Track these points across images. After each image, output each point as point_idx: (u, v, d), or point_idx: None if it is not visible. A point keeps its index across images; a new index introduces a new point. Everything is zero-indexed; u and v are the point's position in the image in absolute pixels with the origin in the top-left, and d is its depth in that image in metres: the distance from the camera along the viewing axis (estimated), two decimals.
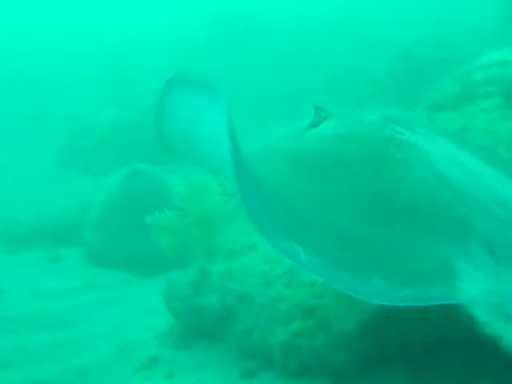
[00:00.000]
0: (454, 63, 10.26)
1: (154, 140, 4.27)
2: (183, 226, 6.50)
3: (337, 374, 4.10)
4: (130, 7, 29.99)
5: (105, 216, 8.68)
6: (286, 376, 4.25)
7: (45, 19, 29.35)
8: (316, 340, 4.18)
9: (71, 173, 13.95)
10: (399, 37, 13.92)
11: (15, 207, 10.45)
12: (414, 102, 8.13)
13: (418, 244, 3.48)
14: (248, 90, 16.48)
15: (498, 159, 4.45)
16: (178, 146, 4.38)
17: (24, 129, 18.05)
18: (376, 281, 3.24)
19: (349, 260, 3.31)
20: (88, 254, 8.90)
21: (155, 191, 8.40)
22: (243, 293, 4.84)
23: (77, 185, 12.25)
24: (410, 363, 3.99)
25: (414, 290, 3.20)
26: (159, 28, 24.94)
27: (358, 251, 3.38)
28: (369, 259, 3.36)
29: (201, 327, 5.31)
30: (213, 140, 3.67)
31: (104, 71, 18.69)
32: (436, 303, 3.17)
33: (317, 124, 4.08)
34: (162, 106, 4.13)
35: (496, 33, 10.86)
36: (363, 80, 13.38)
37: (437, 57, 10.31)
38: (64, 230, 9.67)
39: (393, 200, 3.60)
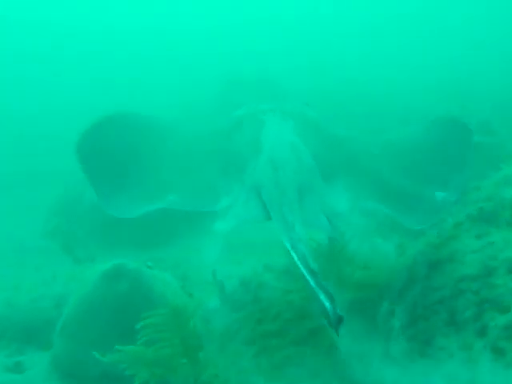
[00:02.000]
0: (493, 149, 9.00)
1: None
2: (164, 358, 5.46)
3: None
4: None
5: (79, 322, 7.12)
6: None
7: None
8: None
9: (56, 248, 12.52)
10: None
11: None
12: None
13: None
14: None
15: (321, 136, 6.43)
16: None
17: (19, 185, 17.05)
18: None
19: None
20: (56, 365, 7.36)
21: (140, 295, 6.93)
22: None
23: (59, 266, 10.80)
24: None
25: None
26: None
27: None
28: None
29: None
30: None
31: None
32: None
33: None
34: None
35: None
36: None
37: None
38: (33, 329, 8.20)
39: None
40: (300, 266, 4.63)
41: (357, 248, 6.84)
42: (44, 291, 8.88)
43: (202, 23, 40.49)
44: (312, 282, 4.41)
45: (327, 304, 4.21)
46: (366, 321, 5.88)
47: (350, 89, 18.86)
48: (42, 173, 17.59)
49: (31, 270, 10.50)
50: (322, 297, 4.27)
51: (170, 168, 6.03)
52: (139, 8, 44.13)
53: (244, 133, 6.36)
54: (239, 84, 20.83)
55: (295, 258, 4.72)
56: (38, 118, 22.95)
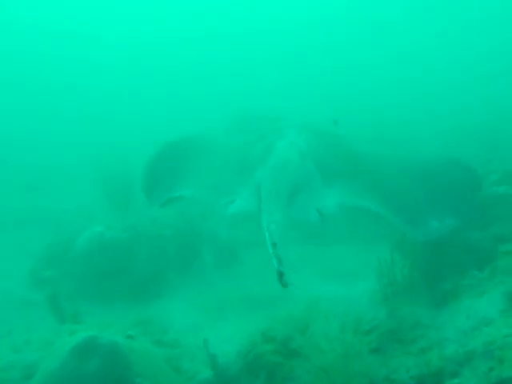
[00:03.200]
0: None
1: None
2: None
3: None
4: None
5: None
6: None
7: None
8: None
9: (40, 301, 11.50)
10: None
11: None
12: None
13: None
14: None
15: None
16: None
17: (9, 224, 16.26)
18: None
19: None
20: None
21: (115, 375, 5.91)
22: None
23: (38, 324, 9.81)
24: None
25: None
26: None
27: None
28: None
29: None
30: None
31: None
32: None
33: None
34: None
35: None
36: None
37: (500, 192, 7.99)
38: None
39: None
40: (267, 239, 6.30)
41: None
42: (16, 357, 7.85)
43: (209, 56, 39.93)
44: (271, 251, 6.19)
45: (276, 264, 5.99)
46: None
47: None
48: (35, 210, 16.73)
49: (4, 331, 9.47)
50: (275, 260, 6.05)
51: (204, 172, 8.06)
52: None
53: (264, 143, 8.06)
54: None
55: (266, 234, 6.34)
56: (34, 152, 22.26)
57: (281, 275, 6.00)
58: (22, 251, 14.15)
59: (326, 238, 14.53)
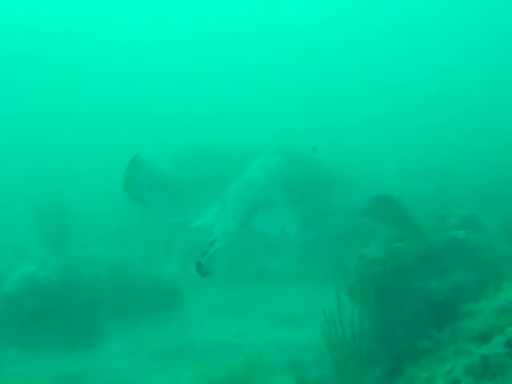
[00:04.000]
0: (482, 249, 7.43)
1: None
2: None
3: None
4: None
5: None
6: None
7: None
8: None
9: None
10: None
11: None
12: None
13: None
14: None
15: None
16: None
17: None
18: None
19: None
20: None
21: None
22: None
23: None
24: None
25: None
26: None
27: None
28: None
29: None
30: None
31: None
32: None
33: None
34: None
35: None
36: None
37: (459, 237, 7.35)
38: None
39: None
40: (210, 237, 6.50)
41: None
42: None
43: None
44: (206, 246, 6.30)
45: (199, 256, 6.13)
46: None
47: None
48: None
49: None
50: (199, 255, 6.14)
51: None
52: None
53: (242, 165, 8.54)
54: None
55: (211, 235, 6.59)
56: None
57: (198, 266, 6.26)
58: None
59: (277, 277, 13.87)
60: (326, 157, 9.74)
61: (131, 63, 44.38)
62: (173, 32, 48.33)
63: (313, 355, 8.53)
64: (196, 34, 47.43)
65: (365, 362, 5.70)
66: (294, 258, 14.18)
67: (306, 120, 28.08)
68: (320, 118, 27.94)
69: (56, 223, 13.39)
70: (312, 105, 31.31)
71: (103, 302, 11.42)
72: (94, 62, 44.46)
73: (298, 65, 41.51)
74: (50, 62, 43.18)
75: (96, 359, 10.00)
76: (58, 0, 47.09)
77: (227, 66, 42.99)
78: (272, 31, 47.71)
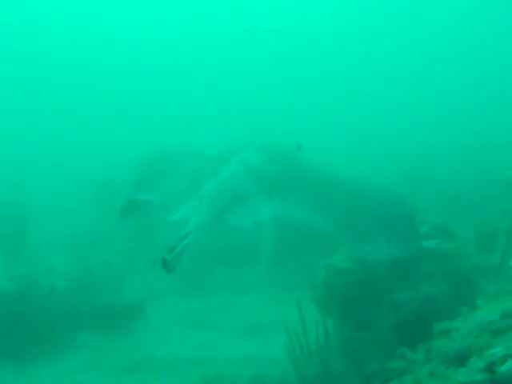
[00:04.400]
0: (455, 258, 7.16)
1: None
2: None
3: None
4: None
5: None
6: None
7: None
8: None
9: None
10: None
11: None
12: None
13: None
14: None
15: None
16: None
17: None
18: None
19: None
20: None
21: None
22: None
23: None
24: None
25: None
26: None
27: None
28: None
29: None
30: None
31: None
32: None
33: None
34: None
35: None
36: None
37: (431, 247, 7.05)
38: None
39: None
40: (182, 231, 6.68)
41: None
42: None
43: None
44: (176, 241, 6.45)
45: (165, 252, 6.24)
46: None
47: None
48: None
49: None
50: (166, 251, 6.25)
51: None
52: None
53: (224, 160, 8.74)
54: None
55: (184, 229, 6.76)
56: None
57: (164, 262, 6.22)
58: None
59: (244, 285, 13.49)
60: (310, 155, 9.64)
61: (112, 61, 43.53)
62: (167, 29, 47.75)
63: (278, 370, 8.15)
64: (187, 33, 46.76)
65: (333, 382, 5.34)
66: (261, 265, 13.81)
67: (294, 118, 27.88)
68: (305, 117, 27.70)
69: (11, 227, 12.83)
70: (300, 103, 30.99)
71: (61, 313, 10.89)
72: (85, 58, 43.55)
73: (290, 63, 41.12)
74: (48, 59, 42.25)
75: (54, 373, 9.52)
76: None
77: (220, 62, 42.43)
78: (264, 28, 47.28)
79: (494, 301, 4.48)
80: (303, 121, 26.96)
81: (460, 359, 4.07)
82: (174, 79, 40.56)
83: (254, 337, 10.34)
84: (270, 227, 8.15)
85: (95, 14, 47.78)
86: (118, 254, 14.54)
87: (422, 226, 7.40)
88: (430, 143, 18.39)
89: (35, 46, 42.86)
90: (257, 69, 40.21)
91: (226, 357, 9.40)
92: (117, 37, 46.23)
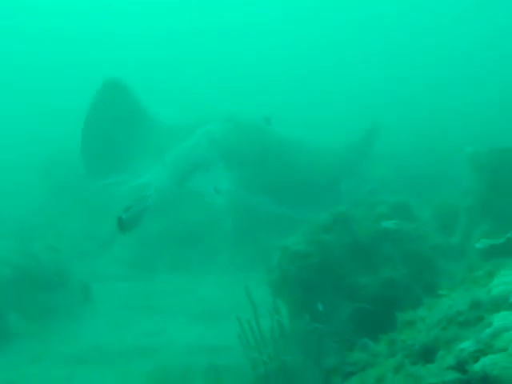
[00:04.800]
0: (417, 240, 6.86)
1: None
2: None
3: None
4: None
5: None
6: None
7: None
8: None
9: None
10: None
11: None
12: None
13: None
14: None
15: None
16: None
17: None
18: None
19: None
20: None
21: None
22: None
23: None
24: None
25: None
26: None
27: None
28: None
29: None
30: None
31: None
32: None
33: None
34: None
35: None
36: None
37: (391, 228, 6.72)
38: None
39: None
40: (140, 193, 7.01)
41: None
42: None
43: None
44: (132, 201, 6.69)
45: (121, 211, 6.45)
46: None
47: None
48: None
49: None
50: (122, 210, 6.49)
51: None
52: None
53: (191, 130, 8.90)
54: None
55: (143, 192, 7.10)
56: None
57: (119, 222, 6.23)
58: None
59: (198, 265, 13.06)
60: (279, 128, 10.05)
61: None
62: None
63: (234, 361, 7.76)
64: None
65: (290, 377, 4.99)
66: (216, 244, 13.40)
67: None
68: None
69: None
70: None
71: (6, 301, 10.27)
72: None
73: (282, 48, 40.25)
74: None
75: (2, 365, 8.93)
76: None
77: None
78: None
79: (460, 288, 4.18)
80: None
81: (427, 353, 3.76)
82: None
83: (208, 322, 9.99)
84: (229, 199, 8.62)
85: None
86: (65, 236, 13.90)
87: (381, 205, 7.08)
88: (392, 119, 18.13)
89: None
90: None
91: (179, 345, 9.01)
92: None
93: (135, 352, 8.99)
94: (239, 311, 7.21)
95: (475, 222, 6.66)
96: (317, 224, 7.08)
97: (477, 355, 3.29)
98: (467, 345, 3.44)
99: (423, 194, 9.64)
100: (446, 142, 14.69)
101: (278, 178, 8.24)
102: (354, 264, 6.69)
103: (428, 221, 7.40)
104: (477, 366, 3.14)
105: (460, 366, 3.30)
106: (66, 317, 10.55)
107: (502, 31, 34.86)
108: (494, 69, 28.35)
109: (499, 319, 3.46)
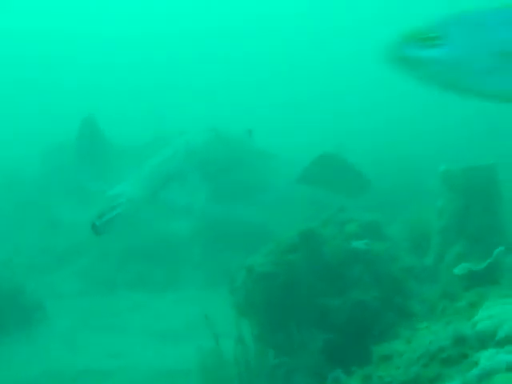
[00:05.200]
0: (389, 262, 6.57)
1: None
2: None
3: None
4: None
5: None
6: None
7: None
8: None
9: None
10: None
11: None
12: None
13: None
14: None
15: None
16: None
17: None
18: None
19: None
20: None
21: None
22: None
23: None
24: None
25: None
26: None
27: None
28: None
29: None
30: None
31: None
32: None
33: None
34: None
35: None
36: None
37: (360, 249, 6.43)
38: None
39: None
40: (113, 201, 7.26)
41: None
42: None
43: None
44: (106, 209, 7.00)
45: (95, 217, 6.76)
46: None
47: None
48: None
49: None
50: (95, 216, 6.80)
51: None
52: None
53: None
54: None
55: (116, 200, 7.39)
56: None
57: (92, 227, 6.48)
58: None
59: (160, 281, 12.60)
60: (261, 140, 10.33)
61: None
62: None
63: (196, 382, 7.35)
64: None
65: None
66: (180, 260, 12.98)
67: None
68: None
69: None
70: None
71: None
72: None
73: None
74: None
75: None
76: None
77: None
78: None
79: (441, 320, 3.87)
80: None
81: None
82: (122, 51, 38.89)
83: (169, 342, 9.55)
84: (199, 212, 8.52)
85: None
86: (20, 251, 13.30)
87: (351, 223, 6.79)
88: (362, 129, 17.93)
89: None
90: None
91: (138, 368, 8.55)
92: None
93: (91, 376, 8.52)
94: (201, 332, 6.87)
95: (449, 242, 6.40)
96: (283, 243, 6.75)
97: None
98: None
99: (395, 211, 9.40)
100: (419, 153, 14.48)
101: (248, 185, 8.67)
102: (322, 285, 6.37)
103: (400, 240, 7.13)
104: None
105: None
106: (18, 338, 9.99)
107: None
108: None
109: (486, 358, 3.14)
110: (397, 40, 3.21)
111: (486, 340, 3.34)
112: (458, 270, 4.58)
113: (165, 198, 8.20)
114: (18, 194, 15.48)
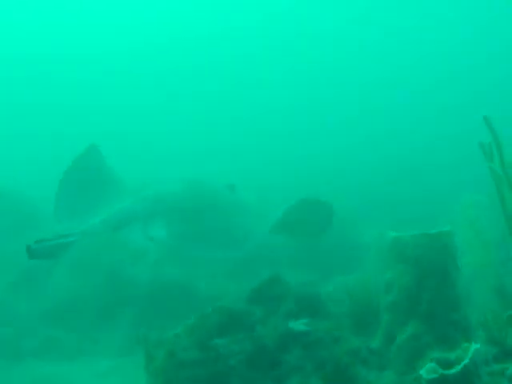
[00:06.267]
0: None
1: None
2: None
3: None
4: None
5: None
6: None
7: None
8: None
9: None
10: None
11: None
12: None
13: None
14: None
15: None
16: None
17: None
18: None
19: None
20: None
21: None
22: None
23: None
24: None
25: None
26: None
27: None
28: None
29: None
30: None
31: None
32: None
33: None
34: None
35: None
36: None
37: (299, 330, 5.56)
38: None
39: None
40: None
41: None
42: None
43: None
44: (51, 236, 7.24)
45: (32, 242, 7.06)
46: None
47: None
48: None
49: None
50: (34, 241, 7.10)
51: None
52: None
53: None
54: None
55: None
56: None
57: (27, 249, 6.65)
58: None
59: (69, 349, 11.37)
60: (245, 195, 10.39)
61: None
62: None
63: None
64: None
65: None
66: (94, 323, 11.83)
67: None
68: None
69: None
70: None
71: None
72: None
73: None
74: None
75: None
76: None
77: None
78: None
79: None
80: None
81: None
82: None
83: None
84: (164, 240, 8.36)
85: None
86: None
87: (287, 299, 5.91)
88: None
89: None
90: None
91: None
92: None
93: None
94: None
95: (399, 321, 5.61)
96: (210, 322, 5.81)
97: None
98: None
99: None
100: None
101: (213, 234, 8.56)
102: (256, 374, 5.43)
103: (342, 316, 6.28)
104: None
105: None
106: None
107: None
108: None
109: None
110: None
111: None
112: (427, 374, 3.76)
113: (122, 236, 8.26)
114: None
